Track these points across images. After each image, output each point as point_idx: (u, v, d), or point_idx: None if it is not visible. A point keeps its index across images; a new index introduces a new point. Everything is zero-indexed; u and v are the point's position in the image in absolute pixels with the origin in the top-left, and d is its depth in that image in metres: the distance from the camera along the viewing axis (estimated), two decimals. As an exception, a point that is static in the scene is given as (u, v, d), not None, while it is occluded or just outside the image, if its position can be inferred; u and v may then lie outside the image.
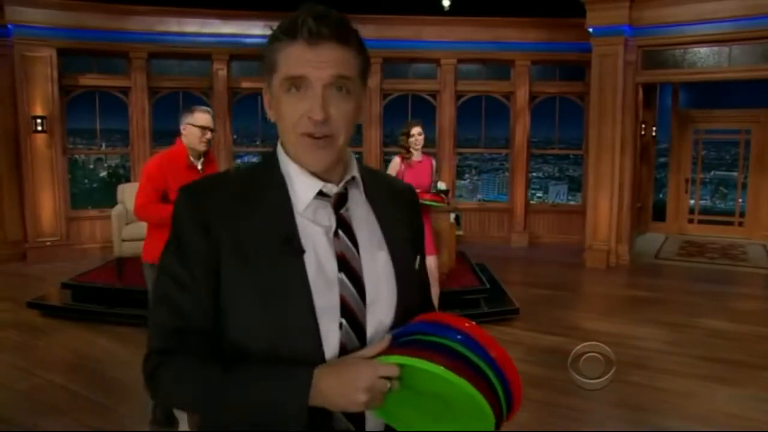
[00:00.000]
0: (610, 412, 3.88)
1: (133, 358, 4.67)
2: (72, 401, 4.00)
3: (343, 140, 1.17)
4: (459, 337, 1.06)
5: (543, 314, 5.95)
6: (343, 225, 1.19)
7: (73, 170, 9.11)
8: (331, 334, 1.12)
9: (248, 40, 9.00)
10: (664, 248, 9.51)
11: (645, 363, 4.67)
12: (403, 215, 1.31)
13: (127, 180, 8.98)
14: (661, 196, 11.12)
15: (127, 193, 6.70)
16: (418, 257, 1.32)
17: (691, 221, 10.73)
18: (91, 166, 9.55)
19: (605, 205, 8.18)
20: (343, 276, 1.15)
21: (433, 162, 5.20)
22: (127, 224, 6.54)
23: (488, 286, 6.22)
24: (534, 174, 10.48)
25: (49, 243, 8.36)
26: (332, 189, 1.19)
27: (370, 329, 1.16)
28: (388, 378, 1.04)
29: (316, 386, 1.03)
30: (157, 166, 3.59)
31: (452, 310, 5.58)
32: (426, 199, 4.84)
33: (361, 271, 1.17)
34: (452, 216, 6.64)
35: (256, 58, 9.25)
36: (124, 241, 6.47)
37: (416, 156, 5.04)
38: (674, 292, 6.98)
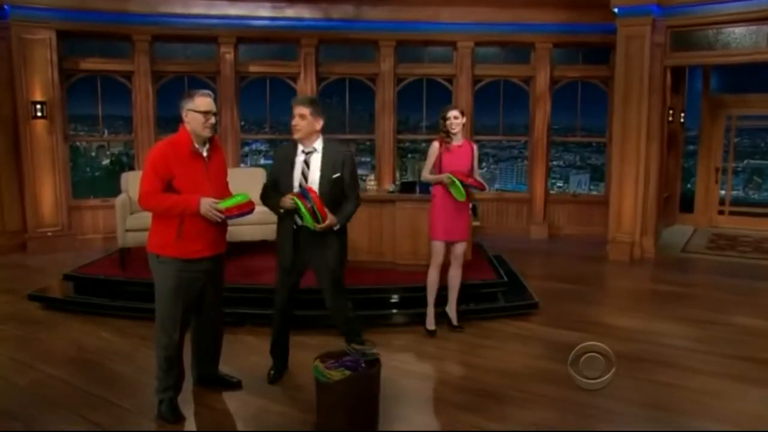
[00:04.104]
0: (633, 411, 3.86)
1: (137, 351, 4.74)
2: (73, 396, 4.03)
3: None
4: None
5: (563, 309, 5.92)
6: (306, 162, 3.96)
7: (74, 158, 9.16)
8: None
9: (256, 23, 9.01)
10: (692, 241, 9.43)
11: (671, 361, 4.64)
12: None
13: (131, 168, 9.02)
14: (689, 186, 11.01)
15: (131, 182, 6.72)
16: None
17: (721, 213, 10.63)
18: (93, 154, 9.58)
19: (630, 195, 8.12)
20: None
21: (475, 147, 5.27)
22: (131, 214, 6.56)
23: (506, 279, 6.21)
24: (554, 163, 10.41)
25: (49, 233, 8.43)
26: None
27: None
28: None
29: None
30: (161, 154, 3.59)
31: (467, 303, 5.64)
32: (469, 183, 5.00)
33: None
34: (469, 206, 6.61)
35: (264, 41, 9.32)
36: (128, 231, 6.48)
37: (456, 140, 5.12)
38: (703, 287, 6.93)
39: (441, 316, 5.37)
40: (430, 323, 5.24)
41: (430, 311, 5.26)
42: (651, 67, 7.92)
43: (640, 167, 8.05)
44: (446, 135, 5.10)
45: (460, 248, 5.22)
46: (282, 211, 3.95)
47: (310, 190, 3.89)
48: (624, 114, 8.08)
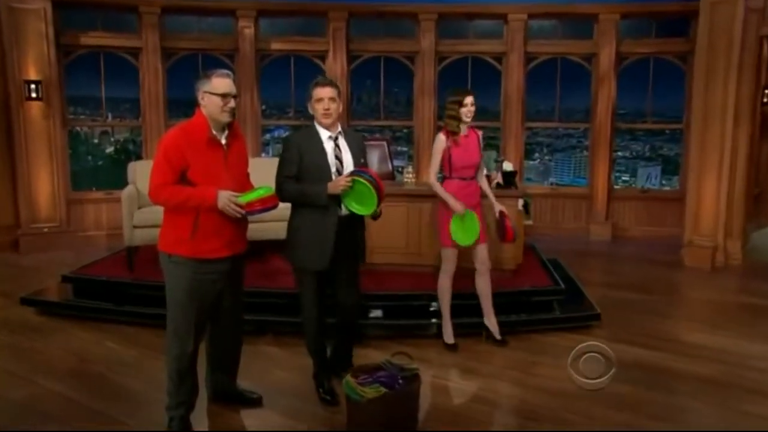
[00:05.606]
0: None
1: (145, 363, 4.81)
2: (74, 412, 4.10)
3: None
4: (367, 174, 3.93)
5: (630, 322, 5.85)
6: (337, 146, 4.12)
7: (74, 145, 9.36)
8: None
9: (279, -7, 9.09)
10: (790, 246, 9.23)
11: (763, 389, 4.54)
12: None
13: (138, 157, 9.19)
14: (787, 180, 10.79)
15: (139, 172, 6.82)
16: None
17: (828, 213, 10.38)
18: (96, 141, 9.78)
19: (711, 190, 7.97)
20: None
21: (480, 134, 5.21)
22: (139, 208, 6.65)
23: (563, 286, 6.16)
24: (619, 153, 10.33)
25: (46, 229, 8.61)
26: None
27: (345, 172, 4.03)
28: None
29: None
30: (174, 142, 3.62)
31: (518, 314, 5.67)
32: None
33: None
34: (520, 203, 6.59)
35: (288, 14, 9.38)
36: (135, 227, 6.57)
37: (463, 130, 5.04)
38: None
39: (479, 327, 5.35)
40: (448, 336, 5.25)
41: (446, 324, 5.26)
42: (743, 38, 7.68)
43: (725, 158, 7.88)
44: (457, 124, 4.97)
45: (482, 252, 5.17)
46: (324, 200, 3.95)
47: (366, 169, 4.06)
48: (706, 95, 7.91)
